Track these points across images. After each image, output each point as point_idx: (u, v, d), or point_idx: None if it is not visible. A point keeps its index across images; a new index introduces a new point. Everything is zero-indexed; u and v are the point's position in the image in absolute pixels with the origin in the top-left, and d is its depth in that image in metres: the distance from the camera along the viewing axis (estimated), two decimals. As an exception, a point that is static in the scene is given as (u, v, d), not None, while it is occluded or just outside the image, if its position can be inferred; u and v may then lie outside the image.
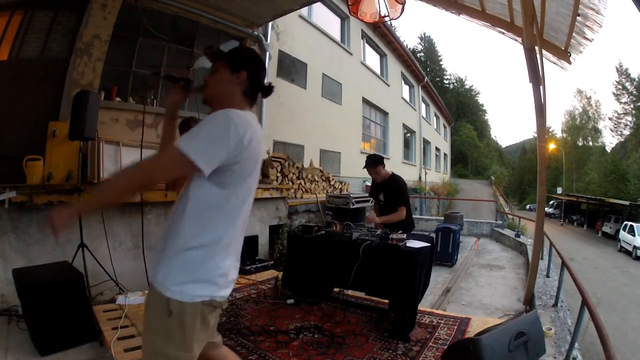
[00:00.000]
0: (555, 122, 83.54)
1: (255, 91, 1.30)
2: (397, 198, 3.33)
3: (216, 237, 1.16)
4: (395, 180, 3.42)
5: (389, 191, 3.41)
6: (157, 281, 1.15)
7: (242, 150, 1.12)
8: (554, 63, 3.77)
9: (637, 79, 33.52)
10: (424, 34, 74.02)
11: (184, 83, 1.35)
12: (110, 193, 1.13)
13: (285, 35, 7.24)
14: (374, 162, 3.42)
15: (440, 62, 58.97)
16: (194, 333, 1.15)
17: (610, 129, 36.47)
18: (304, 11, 7.85)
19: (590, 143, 37.00)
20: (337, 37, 9.95)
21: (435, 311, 3.22)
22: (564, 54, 3.56)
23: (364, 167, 3.49)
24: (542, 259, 4.41)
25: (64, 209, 1.10)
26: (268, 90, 1.34)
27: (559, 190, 29.25)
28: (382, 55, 13.42)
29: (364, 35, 11.52)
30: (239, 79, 1.25)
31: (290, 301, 3.23)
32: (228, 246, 1.20)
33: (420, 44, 57.97)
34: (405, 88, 16.33)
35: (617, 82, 35.08)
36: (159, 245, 1.21)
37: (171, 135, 1.40)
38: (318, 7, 8.65)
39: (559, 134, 42.02)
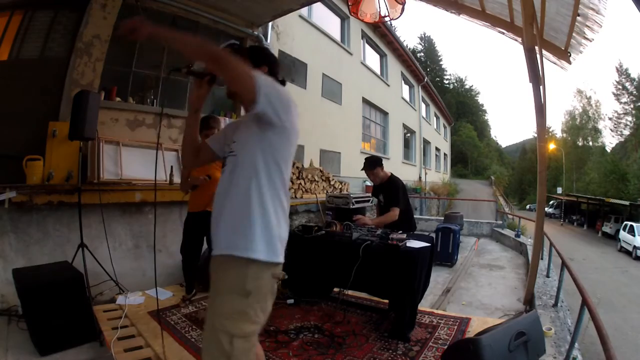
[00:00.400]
0: (555, 122, 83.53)
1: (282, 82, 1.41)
2: (392, 198, 3.33)
3: (275, 195, 1.27)
4: (392, 182, 3.42)
5: (387, 192, 3.41)
6: (236, 247, 1.22)
7: (295, 119, 1.28)
8: (554, 63, 3.77)
9: (637, 79, 33.54)
10: (424, 34, 74.14)
11: (210, 77, 1.40)
12: (192, 46, 1.22)
13: (285, 35, 7.24)
14: (371, 164, 3.41)
15: (440, 62, 59.09)
16: (266, 300, 1.28)
17: (610, 129, 36.52)
18: (304, 11, 7.85)
19: (590, 143, 36.99)
20: (337, 37, 9.96)
21: (435, 311, 3.22)
22: (564, 54, 3.56)
23: (362, 169, 3.49)
24: (542, 259, 4.41)
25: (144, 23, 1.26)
26: (284, 84, 1.43)
27: (559, 190, 29.26)
28: (382, 55, 13.43)
29: (364, 35, 11.52)
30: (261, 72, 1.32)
31: (290, 301, 3.23)
32: (283, 206, 1.31)
33: (420, 44, 58.08)
34: (405, 88, 16.33)
35: (617, 82, 35.11)
36: (223, 221, 1.26)
37: (195, 128, 1.49)
38: (318, 7, 8.65)
39: (559, 134, 42.07)
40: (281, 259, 1.29)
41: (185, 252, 3.10)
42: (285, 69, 7.40)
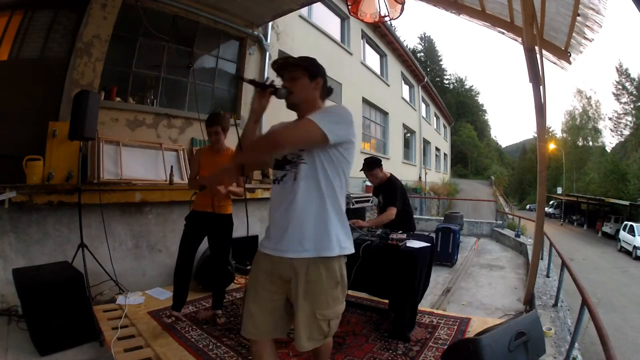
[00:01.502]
0: (555, 122, 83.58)
1: (325, 94, 1.56)
2: (389, 199, 3.33)
3: (340, 204, 1.48)
4: (391, 182, 3.42)
5: (386, 193, 3.41)
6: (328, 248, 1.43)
7: (354, 131, 1.45)
8: (554, 63, 3.77)
9: (637, 79, 33.50)
10: (424, 34, 74.06)
11: (273, 90, 1.49)
12: (249, 150, 1.49)
13: (285, 35, 7.24)
14: (369, 165, 3.41)
15: (440, 62, 59.06)
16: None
17: (610, 129, 36.47)
18: (304, 11, 7.85)
19: (590, 143, 36.95)
20: (337, 37, 9.95)
21: (435, 311, 3.22)
22: (564, 54, 3.56)
23: (361, 170, 3.49)
24: (542, 259, 4.42)
25: (224, 173, 1.42)
26: (331, 92, 1.61)
27: (559, 190, 29.25)
28: (382, 55, 13.42)
29: (364, 35, 11.52)
30: (318, 84, 1.50)
31: (290, 301, 3.23)
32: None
33: (420, 44, 58.06)
34: (405, 88, 16.32)
35: (617, 82, 35.06)
36: (304, 223, 1.41)
37: (253, 137, 1.59)
38: (318, 7, 8.65)
39: (559, 134, 42.01)
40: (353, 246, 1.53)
41: (182, 252, 2.87)
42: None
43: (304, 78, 1.47)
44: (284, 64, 1.49)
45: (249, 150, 1.50)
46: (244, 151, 1.50)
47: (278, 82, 1.53)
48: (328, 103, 1.59)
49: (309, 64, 1.50)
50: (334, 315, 1.45)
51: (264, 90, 1.49)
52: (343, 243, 1.46)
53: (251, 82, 1.53)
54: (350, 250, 1.49)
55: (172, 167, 4.17)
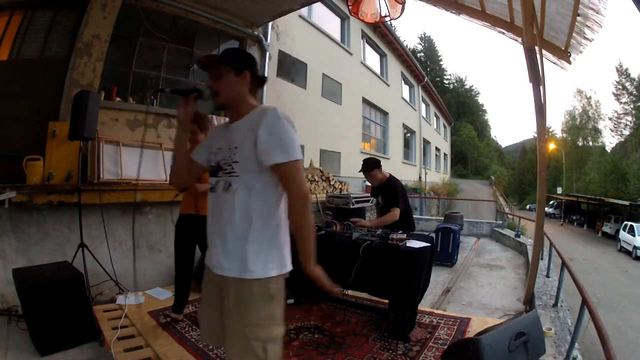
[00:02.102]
0: (555, 122, 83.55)
1: (257, 86, 1.43)
2: (391, 199, 3.32)
3: (279, 215, 1.34)
4: (391, 183, 3.41)
5: (386, 193, 3.40)
6: (253, 270, 1.27)
7: None
8: (554, 63, 3.77)
9: (637, 79, 33.48)
10: (424, 34, 74.05)
11: (197, 94, 1.40)
12: (311, 244, 1.36)
13: (285, 35, 7.24)
14: (368, 166, 3.41)
15: (440, 62, 59.04)
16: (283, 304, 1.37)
17: (610, 129, 36.43)
18: (304, 11, 7.85)
19: (590, 143, 36.93)
20: (337, 37, 9.95)
21: (435, 311, 3.22)
22: (564, 54, 3.56)
23: (360, 171, 3.48)
24: (542, 259, 4.41)
25: (319, 275, 1.39)
26: (264, 81, 1.50)
27: (559, 190, 29.24)
28: (382, 55, 13.42)
29: (364, 35, 11.52)
30: (245, 79, 1.36)
31: (290, 301, 3.23)
32: (286, 220, 1.37)
33: (420, 44, 58.05)
34: (405, 88, 16.33)
35: (617, 82, 35.03)
36: (235, 239, 1.29)
37: (185, 147, 1.48)
38: (318, 7, 8.65)
39: (559, 134, 41.99)
40: (288, 262, 1.40)
41: (177, 258, 2.80)
42: (285, 69, 7.40)
43: (229, 74, 1.34)
44: (207, 62, 1.39)
45: (309, 248, 1.39)
46: (306, 251, 1.39)
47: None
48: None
49: (233, 58, 1.37)
50: (269, 337, 1.26)
51: (187, 96, 1.39)
52: (271, 264, 1.30)
53: (172, 92, 1.43)
54: (279, 272, 1.33)
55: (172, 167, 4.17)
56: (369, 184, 3.70)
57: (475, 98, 60.33)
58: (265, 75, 1.40)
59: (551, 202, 31.73)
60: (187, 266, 2.78)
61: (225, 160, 1.34)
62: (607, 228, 20.28)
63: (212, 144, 1.44)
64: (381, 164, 3.51)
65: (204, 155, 1.45)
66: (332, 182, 7.48)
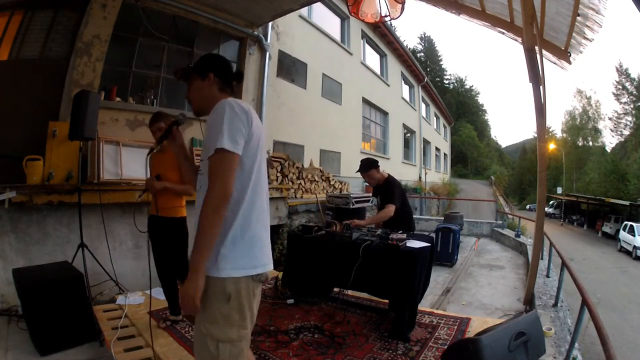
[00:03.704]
0: (555, 122, 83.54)
1: (228, 82, 1.43)
2: (387, 197, 3.33)
3: (247, 212, 1.27)
4: (389, 182, 3.42)
5: (384, 193, 3.41)
6: (209, 267, 1.22)
7: (252, 129, 1.28)
8: (554, 63, 3.77)
9: (637, 79, 33.48)
10: (424, 34, 74.04)
11: (176, 124, 1.48)
12: (205, 240, 1.18)
13: (285, 35, 7.24)
14: (365, 166, 3.41)
15: (440, 62, 59.03)
16: (250, 307, 1.29)
17: (610, 129, 36.44)
18: (304, 11, 7.85)
19: (590, 143, 36.93)
20: (337, 37, 9.95)
21: (435, 311, 3.22)
22: (564, 54, 3.56)
23: (357, 172, 3.48)
24: (542, 259, 4.41)
25: (187, 293, 1.16)
26: (239, 76, 1.49)
27: (559, 190, 29.24)
28: (382, 55, 13.42)
29: (364, 35, 11.52)
30: (210, 80, 1.39)
31: (290, 301, 3.23)
32: (259, 217, 1.31)
33: (420, 44, 58.04)
34: (405, 88, 16.32)
35: (617, 82, 35.04)
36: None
37: (191, 169, 1.54)
38: (318, 7, 8.65)
39: (559, 134, 42.00)
40: (259, 263, 1.30)
41: (155, 260, 2.67)
42: (285, 69, 7.40)
43: (197, 81, 1.39)
44: (177, 77, 1.45)
45: (201, 243, 1.20)
46: (198, 248, 1.21)
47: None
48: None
49: (195, 65, 1.41)
50: (224, 336, 1.22)
51: (169, 132, 1.48)
52: (229, 264, 1.22)
53: (159, 143, 1.55)
54: (240, 273, 1.24)
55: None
56: (368, 184, 3.70)
57: (475, 98, 60.36)
58: (241, 70, 1.37)
59: (551, 202, 31.72)
60: (165, 268, 2.67)
61: (201, 159, 1.38)
62: (607, 228, 20.28)
63: None
64: (379, 164, 3.50)
65: None
66: (332, 182, 7.48)
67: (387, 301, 2.92)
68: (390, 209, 3.21)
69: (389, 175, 3.49)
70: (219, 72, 1.40)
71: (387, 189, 3.38)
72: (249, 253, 1.26)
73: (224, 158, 1.20)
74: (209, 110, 1.32)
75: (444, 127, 27.01)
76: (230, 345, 1.23)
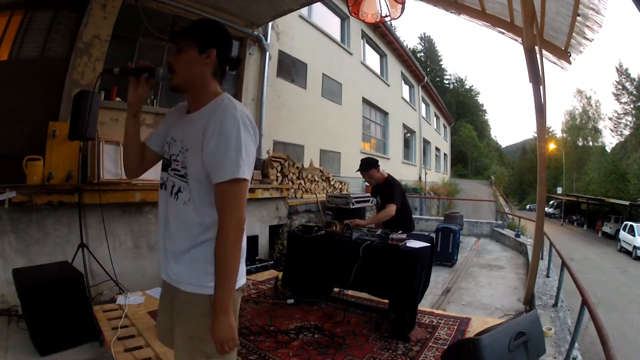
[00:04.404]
0: (555, 122, 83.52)
1: (224, 68, 1.22)
2: (388, 196, 3.33)
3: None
4: (389, 182, 3.42)
5: (384, 192, 3.41)
6: (191, 283, 1.15)
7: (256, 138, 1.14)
8: (554, 63, 3.77)
9: (637, 79, 33.50)
10: (424, 34, 74.10)
11: (148, 73, 1.21)
12: (231, 275, 1.09)
13: (285, 35, 7.24)
14: (365, 166, 3.41)
15: (440, 62, 59.05)
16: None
17: (610, 129, 36.46)
18: (304, 11, 7.85)
19: (590, 143, 36.93)
20: (337, 37, 9.95)
21: (435, 311, 3.22)
22: (564, 54, 3.56)
23: (357, 171, 3.48)
24: (542, 259, 4.41)
25: (223, 328, 1.06)
26: (236, 63, 1.27)
27: (559, 190, 29.25)
28: (382, 55, 13.42)
29: (364, 35, 11.52)
30: (209, 58, 1.15)
31: (290, 301, 3.23)
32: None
33: (420, 44, 58.06)
34: (405, 88, 16.33)
35: (617, 82, 35.07)
36: (176, 250, 1.18)
37: (137, 134, 1.30)
38: (318, 7, 8.65)
39: (559, 134, 42.01)
40: (241, 274, 1.20)
41: None
42: (285, 69, 7.40)
43: (191, 50, 1.14)
44: (172, 31, 1.23)
45: (226, 278, 1.13)
46: (223, 285, 1.12)
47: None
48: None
49: (199, 30, 1.16)
50: (212, 351, 1.10)
51: (138, 76, 1.21)
52: (211, 282, 1.10)
53: (121, 72, 1.22)
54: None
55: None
56: (368, 183, 3.70)
57: (475, 98, 60.38)
58: (237, 56, 1.16)
59: (551, 202, 31.73)
60: None
61: (176, 158, 1.18)
62: (607, 228, 20.29)
63: (167, 130, 1.28)
64: (379, 163, 3.50)
65: (159, 142, 1.29)
66: (332, 182, 7.48)
67: (387, 301, 2.92)
68: (391, 209, 3.21)
69: (388, 175, 3.49)
70: (222, 53, 1.18)
71: (387, 189, 3.38)
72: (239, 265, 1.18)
73: (242, 188, 1.09)
74: (191, 93, 1.18)
75: (444, 127, 27.01)
76: (222, 359, 1.15)
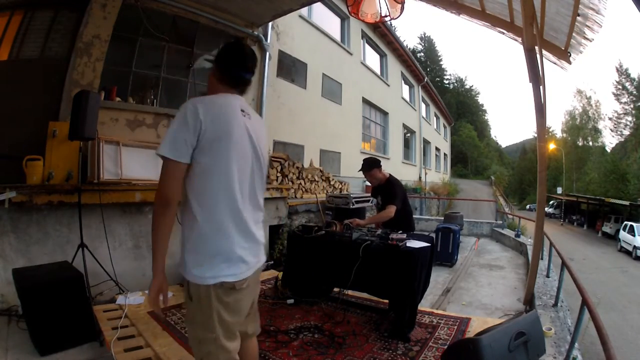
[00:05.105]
0: (555, 122, 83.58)
1: (231, 75, 1.45)
2: (388, 197, 3.32)
3: (208, 217, 1.29)
4: (390, 183, 3.42)
5: (385, 193, 3.41)
6: (183, 270, 1.35)
7: (202, 129, 1.26)
8: (554, 63, 3.76)
9: (637, 79, 33.49)
10: (424, 34, 74.10)
11: None
12: (155, 244, 1.29)
13: (285, 35, 7.24)
14: (368, 166, 3.40)
15: (440, 62, 59.08)
16: (212, 314, 1.30)
17: (610, 129, 36.45)
18: (304, 11, 7.85)
19: (590, 143, 36.93)
20: (337, 37, 9.95)
21: (435, 311, 3.22)
22: (564, 54, 3.56)
23: (359, 170, 3.48)
24: (542, 259, 4.41)
25: (152, 292, 1.30)
26: (244, 69, 1.46)
27: (559, 190, 29.24)
28: (382, 55, 13.42)
29: (364, 35, 11.52)
30: (213, 72, 1.48)
31: (290, 301, 3.23)
32: (222, 224, 1.30)
33: (420, 44, 58.09)
34: (405, 88, 16.32)
35: (617, 82, 35.05)
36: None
37: None
38: (318, 7, 8.65)
39: (559, 134, 42.01)
40: (220, 273, 1.31)
41: None
42: (285, 69, 7.40)
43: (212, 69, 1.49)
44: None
45: (155, 242, 1.35)
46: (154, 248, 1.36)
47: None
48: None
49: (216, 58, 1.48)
50: (194, 334, 1.36)
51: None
52: (188, 270, 1.32)
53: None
54: (194, 280, 1.30)
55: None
56: (369, 183, 3.70)
57: (475, 98, 60.39)
58: (235, 67, 1.43)
59: (551, 202, 31.73)
60: None
61: None
62: (607, 228, 20.29)
63: None
64: (381, 164, 3.50)
65: None
66: (332, 182, 7.48)
67: (387, 301, 2.92)
68: (391, 210, 3.21)
69: (390, 175, 3.49)
70: (220, 65, 1.45)
71: (388, 189, 3.38)
72: (209, 261, 1.29)
73: (164, 164, 1.26)
74: None
75: (444, 127, 27.01)
76: (200, 344, 1.33)
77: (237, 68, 1.45)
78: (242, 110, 1.40)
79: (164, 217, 1.25)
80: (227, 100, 1.39)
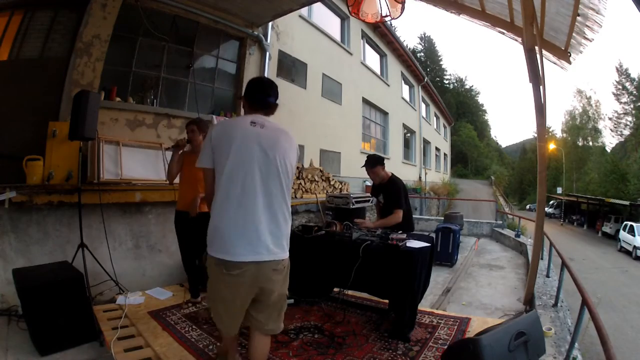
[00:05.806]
0: (555, 122, 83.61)
1: (252, 99, 1.80)
2: (394, 200, 3.32)
3: (214, 206, 1.66)
4: (393, 183, 3.40)
5: (388, 193, 3.40)
6: None
7: (213, 142, 1.67)
8: (554, 63, 3.76)
9: (637, 79, 33.47)
10: (424, 34, 73.99)
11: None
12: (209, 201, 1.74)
13: (285, 35, 7.24)
14: (372, 162, 3.40)
15: (440, 62, 59.01)
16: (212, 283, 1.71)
17: (610, 129, 36.43)
18: (304, 11, 7.85)
19: (590, 143, 36.91)
20: (337, 37, 9.96)
21: (435, 311, 3.22)
22: (564, 54, 3.55)
23: (362, 166, 3.48)
24: (542, 259, 4.41)
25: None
26: (255, 99, 1.81)
27: (559, 190, 29.22)
28: (382, 55, 13.43)
29: (364, 35, 11.52)
30: (243, 102, 1.84)
31: (290, 301, 3.23)
32: (221, 210, 1.62)
33: (420, 44, 58.03)
34: (405, 88, 16.33)
35: (617, 82, 35.03)
36: None
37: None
38: (318, 7, 8.65)
39: (559, 134, 41.96)
40: (217, 250, 1.64)
41: (181, 248, 3.20)
42: (285, 69, 7.40)
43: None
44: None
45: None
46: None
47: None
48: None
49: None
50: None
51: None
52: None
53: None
54: (211, 252, 1.68)
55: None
56: (370, 182, 3.70)
57: (475, 98, 60.33)
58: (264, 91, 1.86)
59: (551, 202, 31.71)
60: (189, 256, 3.18)
61: None
62: (607, 228, 20.28)
63: None
64: (384, 161, 3.50)
65: None
66: (332, 182, 7.48)
67: (387, 301, 2.92)
68: (399, 215, 3.23)
69: (392, 174, 3.48)
70: (247, 96, 1.81)
71: (391, 190, 3.37)
72: (212, 239, 1.64)
73: (203, 173, 1.77)
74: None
75: (444, 127, 27.01)
76: (211, 303, 1.81)
77: (256, 93, 1.81)
78: (253, 122, 1.68)
79: (209, 201, 1.73)
80: (240, 118, 1.81)
